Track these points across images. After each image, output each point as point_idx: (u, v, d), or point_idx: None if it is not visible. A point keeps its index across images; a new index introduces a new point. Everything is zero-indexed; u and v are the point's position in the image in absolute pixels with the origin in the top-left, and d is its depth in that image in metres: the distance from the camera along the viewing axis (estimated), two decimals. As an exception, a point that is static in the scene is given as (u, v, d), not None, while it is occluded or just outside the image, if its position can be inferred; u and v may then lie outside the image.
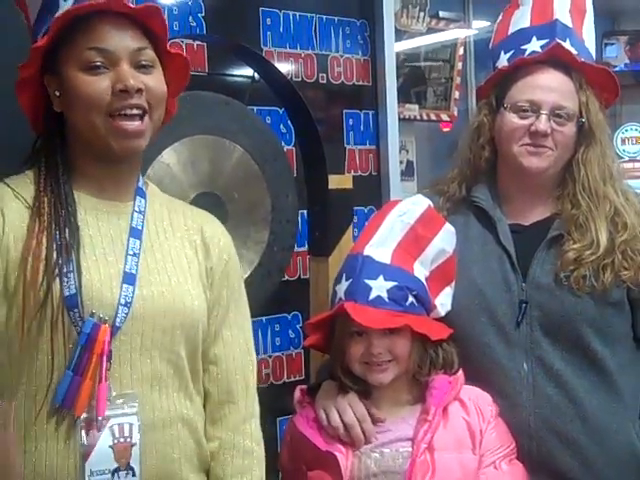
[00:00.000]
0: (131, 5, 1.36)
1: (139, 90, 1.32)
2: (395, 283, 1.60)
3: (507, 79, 1.78)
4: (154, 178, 1.81)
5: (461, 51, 4.33)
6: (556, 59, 1.74)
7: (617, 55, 5.99)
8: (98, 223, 1.37)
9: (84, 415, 1.29)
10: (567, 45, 1.75)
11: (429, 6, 4.10)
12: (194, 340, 1.42)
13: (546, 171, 1.74)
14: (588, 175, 1.73)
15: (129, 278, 1.34)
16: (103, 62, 1.32)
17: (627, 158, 4.65)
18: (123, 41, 1.33)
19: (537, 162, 1.72)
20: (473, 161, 1.83)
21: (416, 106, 4.18)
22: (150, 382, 1.35)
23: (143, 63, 1.35)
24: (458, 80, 4.29)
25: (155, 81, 1.37)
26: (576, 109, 1.73)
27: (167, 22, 2.21)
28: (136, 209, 1.41)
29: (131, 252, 1.36)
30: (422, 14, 4.07)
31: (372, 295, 1.58)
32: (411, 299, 1.61)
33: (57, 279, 1.28)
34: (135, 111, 1.33)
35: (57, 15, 1.31)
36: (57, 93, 1.35)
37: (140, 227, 1.40)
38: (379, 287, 1.59)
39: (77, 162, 1.39)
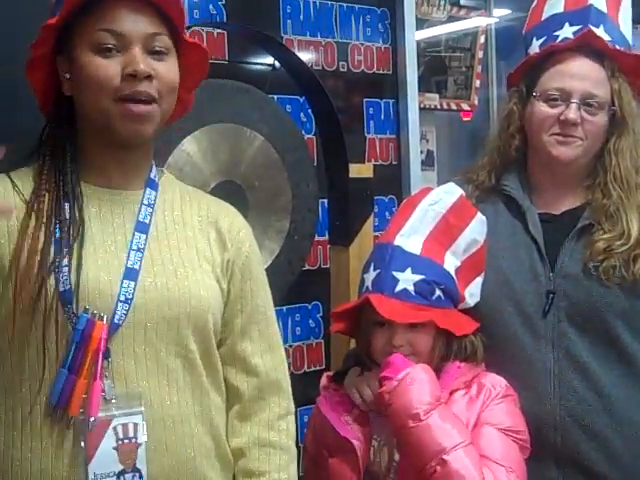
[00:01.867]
0: None
1: (149, 76, 1.28)
2: (423, 276, 1.59)
3: (538, 66, 1.76)
4: (175, 166, 1.81)
5: (482, 39, 4.29)
6: (588, 46, 1.71)
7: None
8: (100, 214, 1.34)
9: (81, 417, 1.25)
10: (600, 31, 1.72)
11: (450, -6, 4.07)
12: (204, 332, 1.36)
13: (576, 161, 1.72)
14: (620, 165, 1.71)
15: (131, 274, 1.30)
16: (115, 45, 1.28)
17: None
18: (137, 25, 1.29)
19: (566, 152, 1.70)
20: (503, 149, 1.81)
21: (436, 95, 4.15)
22: (157, 377, 1.30)
23: (157, 49, 1.31)
24: (479, 69, 4.26)
25: (167, 68, 1.32)
26: (608, 97, 1.70)
27: (187, 10, 2.25)
28: (145, 202, 1.37)
29: (135, 247, 1.32)
30: (443, 2, 4.04)
31: (398, 287, 1.57)
32: (438, 293, 1.60)
33: (52, 274, 1.25)
34: (144, 98, 1.29)
35: None
36: (67, 75, 1.32)
37: (147, 220, 1.36)
38: (406, 280, 1.58)
39: (85, 149, 1.36)
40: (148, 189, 1.39)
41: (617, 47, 1.73)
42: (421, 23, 3.90)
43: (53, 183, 1.31)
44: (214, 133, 1.89)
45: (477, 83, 4.24)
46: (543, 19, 1.81)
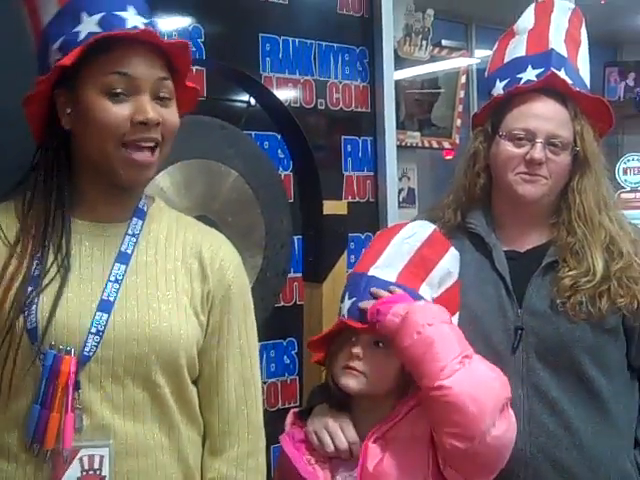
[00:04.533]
0: (163, 39, 1.35)
1: (157, 123, 1.31)
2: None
3: (502, 107, 1.78)
4: (148, 201, 1.82)
5: (463, 79, 4.35)
6: (551, 88, 1.75)
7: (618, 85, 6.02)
8: (81, 248, 1.34)
9: (54, 448, 1.26)
10: (562, 74, 1.75)
11: (432, 34, 4.12)
12: (174, 367, 1.36)
13: (541, 199, 1.74)
14: (583, 203, 1.73)
15: (105, 305, 1.31)
16: (125, 89, 1.29)
17: (629, 188, 4.66)
18: (147, 70, 1.31)
19: (532, 190, 1.72)
20: (468, 188, 1.83)
21: (418, 133, 4.19)
22: (123, 410, 1.31)
23: (162, 95, 1.33)
24: (460, 108, 4.32)
25: (172, 115, 1.35)
26: (571, 138, 1.73)
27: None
28: (129, 232, 1.38)
29: (113, 278, 1.33)
30: (425, 42, 4.10)
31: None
32: None
33: (22, 313, 1.27)
34: (149, 143, 1.32)
35: (88, 35, 1.29)
36: (68, 110, 1.33)
37: (129, 251, 1.36)
38: None
39: (77, 182, 1.37)
40: (135, 219, 1.40)
41: (578, 89, 1.76)
42: (403, 62, 3.95)
43: (42, 219, 1.32)
44: (189, 168, 1.89)
45: (458, 122, 4.29)
46: (505, 62, 1.85)
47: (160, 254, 1.40)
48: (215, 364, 1.43)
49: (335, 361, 1.62)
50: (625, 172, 4.70)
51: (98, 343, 1.29)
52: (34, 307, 1.27)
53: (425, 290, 1.64)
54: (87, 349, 1.28)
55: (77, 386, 1.27)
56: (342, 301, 1.66)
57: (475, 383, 1.48)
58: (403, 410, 1.57)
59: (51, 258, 1.30)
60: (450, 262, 1.69)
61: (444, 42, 4.31)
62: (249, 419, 1.45)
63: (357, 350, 1.58)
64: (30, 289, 1.28)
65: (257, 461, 1.46)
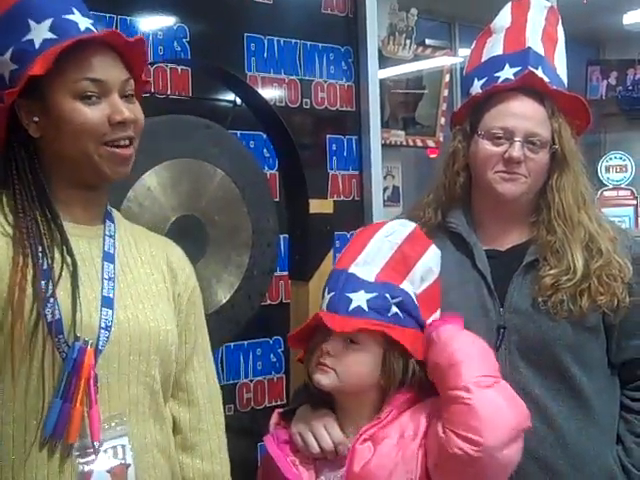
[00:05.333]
0: (128, 38, 1.38)
1: (132, 121, 1.35)
2: (376, 294, 1.58)
3: (480, 106, 1.79)
4: (135, 200, 1.82)
5: (447, 78, 4.36)
6: (528, 86, 1.75)
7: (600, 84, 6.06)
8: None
9: (77, 443, 1.27)
10: (539, 73, 1.76)
11: (416, 34, 4.13)
12: (168, 364, 1.41)
13: (520, 197, 1.75)
14: (562, 201, 1.74)
15: (107, 302, 1.33)
16: (96, 92, 1.33)
17: (611, 186, 4.70)
18: (114, 72, 1.35)
19: (511, 188, 1.73)
20: (448, 187, 1.83)
21: (402, 132, 4.20)
22: (128, 407, 1.34)
23: (128, 93, 1.37)
24: (444, 107, 4.32)
25: (139, 112, 1.39)
26: (549, 136, 1.74)
27: (152, 46, 2.27)
28: (107, 233, 1.40)
29: (106, 276, 1.35)
30: (409, 41, 4.10)
31: (352, 306, 1.57)
32: (395, 309, 1.58)
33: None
34: (126, 141, 1.36)
35: (45, 43, 1.31)
36: (36, 118, 1.33)
37: (112, 251, 1.39)
38: (359, 298, 1.57)
39: (50, 187, 1.37)
40: (107, 221, 1.43)
41: (555, 87, 1.78)
42: (387, 61, 3.96)
43: (34, 220, 1.32)
44: (175, 168, 1.90)
45: (442, 120, 4.30)
46: (483, 60, 1.85)
47: (136, 256, 1.44)
48: (184, 363, 1.47)
49: (311, 359, 1.62)
50: (607, 170, 4.74)
51: (107, 338, 1.31)
52: (53, 300, 1.27)
53: (407, 286, 1.63)
54: (100, 344, 1.30)
55: (95, 380, 1.28)
56: (322, 297, 1.66)
57: (503, 398, 1.48)
58: (394, 411, 1.56)
59: (56, 254, 1.31)
60: (431, 259, 1.69)
61: (428, 41, 4.32)
62: (215, 414, 1.51)
63: (328, 347, 1.56)
64: (43, 282, 1.27)
65: (226, 454, 1.52)
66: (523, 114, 1.73)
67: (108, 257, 1.38)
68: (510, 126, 1.72)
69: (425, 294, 1.66)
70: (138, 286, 1.40)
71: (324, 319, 1.56)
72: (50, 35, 1.32)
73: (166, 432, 1.41)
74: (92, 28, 1.37)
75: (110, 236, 1.40)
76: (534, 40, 1.81)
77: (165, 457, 1.40)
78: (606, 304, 1.69)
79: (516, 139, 1.71)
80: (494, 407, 1.46)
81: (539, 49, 1.80)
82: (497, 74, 1.78)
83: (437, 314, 1.69)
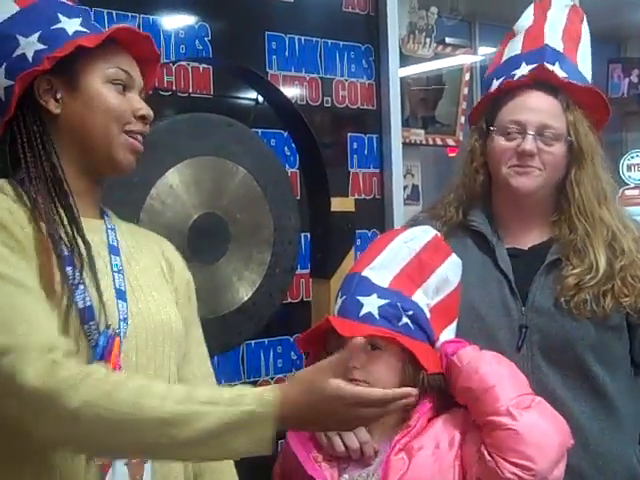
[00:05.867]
0: (155, 50, 1.46)
1: (150, 119, 1.41)
2: (388, 301, 1.57)
3: (496, 104, 1.79)
4: (157, 198, 1.83)
5: (467, 77, 4.35)
6: (543, 81, 1.75)
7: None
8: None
9: None
10: (556, 68, 1.76)
11: (436, 32, 4.13)
12: (179, 355, 1.42)
13: (536, 192, 1.74)
14: (582, 196, 1.73)
15: (121, 294, 1.33)
16: (125, 83, 1.39)
17: (633, 185, 4.66)
18: (137, 72, 1.42)
19: (526, 182, 1.72)
20: (469, 185, 1.83)
21: (422, 131, 4.20)
22: None
23: (142, 94, 1.44)
24: (464, 105, 4.31)
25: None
26: (563, 129, 1.73)
27: (174, 45, 2.29)
28: (109, 226, 1.41)
29: (116, 269, 1.35)
30: (429, 40, 4.10)
31: (363, 311, 1.55)
32: (405, 320, 1.57)
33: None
34: (141, 137, 1.40)
35: (94, 34, 1.37)
36: (59, 95, 1.35)
37: (116, 244, 1.39)
38: (370, 304, 1.56)
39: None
40: (106, 217, 1.44)
41: (569, 80, 1.76)
42: (407, 60, 3.95)
43: (49, 207, 1.30)
44: (197, 166, 1.91)
45: (462, 119, 4.29)
46: (502, 61, 1.86)
47: (137, 249, 1.44)
48: (184, 355, 1.47)
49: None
50: (629, 169, 4.70)
51: (126, 331, 1.31)
52: (82, 286, 1.26)
53: (420, 297, 1.61)
54: (122, 335, 1.30)
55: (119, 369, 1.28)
56: (335, 302, 1.65)
57: (545, 418, 1.48)
58: (422, 419, 1.54)
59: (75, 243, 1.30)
60: (449, 269, 1.66)
61: (447, 40, 4.32)
62: None
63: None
64: (69, 269, 1.26)
65: None
66: (535, 107, 1.73)
67: (114, 250, 1.38)
68: (522, 119, 1.72)
69: (440, 305, 1.64)
70: (145, 278, 1.40)
71: (334, 323, 1.54)
72: (81, 28, 1.38)
73: None
74: (83, 30, 1.39)
75: (112, 229, 1.41)
76: (553, 38, 1.81)
77: None
78: (630, 305, 1.68)
79: (529, 132, 1.71)
80: (539, 430, 1.46)
81: (558, 46, 1.80)
82: (513, 72, 1.79)
83: (453, 325, 1.67)
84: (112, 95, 1.36)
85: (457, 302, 1.67)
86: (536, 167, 1.71)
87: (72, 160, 1.37)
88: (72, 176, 1.36)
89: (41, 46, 1.35)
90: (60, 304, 1.23)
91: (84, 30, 1.39)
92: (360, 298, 1.57)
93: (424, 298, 1.62)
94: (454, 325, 1.66)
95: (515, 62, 1.81)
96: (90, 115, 1.35)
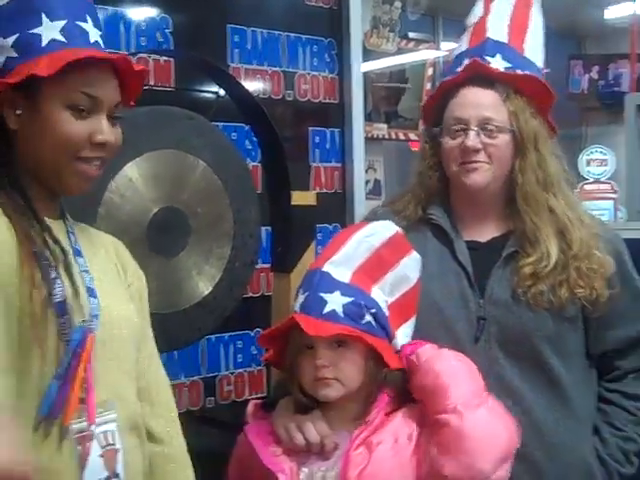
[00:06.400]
0: (135, 66, 1.39)
1: (111, 145, 1.36)
2: (352, 299, 1.56)
3: (441, 104, 1.80)
4: (117, 192, 1.81)
5: (430, 72, 4.38)
6: (480, 75, 1.75)
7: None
8: None
9: (74, 425, 1.27)
10: (496, 60, 1.76)
11: (399, 27, 4.15)
12: (138, 348, 1.44)
13: (487, 186, 1.75)
14: (526, 184, 1.74)
15: (91, 292, 1.34)
16: (88, 107, 1.32)
17: (592, 179, 4.72)
18: (110, 93, 1.35)
19: (476, 178, 1.73)
20: (425, 183, 1.84)
21: (385, 125, 4.22)
22: (114, 392, 1.35)
23: (115, 115, 1.37)
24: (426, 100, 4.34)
25: (119, 135, 1.38)
26: (505, 120, 1.74)
27: (134, 36, 2.27)
28: (69, 229, 1.40)
29: (83, 269, 1.36)
30: (392, 35, 4.12)
31: (327, 309, 1.54)
32: (368, 318, 1.56)
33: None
34: (99, 161, 1.36)
35: (52, 43, 1.30)
36: (19, 111, 1.32)
37: (77, 246, 1.39)
38: (334, 301, 1.55)
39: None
40: (65, 218, 1.42)
41: (504, 71, 1.76)
42: (370, 54, 3.97)
43: (15, 209, 1.31)
44: (157, 159, 1.90)
45: (425, 114, 4.31)
46: (451, 60, 1.87)
47: (93, 249, 1.45)
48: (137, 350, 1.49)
49: (300, 371, 1.58)
50: (588, 164, 4.76)
51: (96, 326, 1.32)
52: (58, 280, 1.27)
53: (377, 293, 1.60)
54: (93, 330, 1.31)
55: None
56: (296, 297, 1.62)
57: (493, 417, 1.48)
58: (381, 413, 1.55)
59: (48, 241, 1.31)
60: (409, 266, 1.65)
61: (411, 35, 4.34)
62: (168, 401, 1.52)
63: (320, 361, 1.53)
64: (45, 263, 1.27)
65: (182, 438, 1.53)
66: (475, 102, 1.73)
67: (76, 251, 1.38)
68: (463, 116, 1.73)
69: (398, 303, 1.64)
70: (104, 278, 1.41)
71: (299, 321, 1.53)
72: (60, 37, 1.31)
73: (140, 415, 1.43)
74: (100, 42, 1.36)
75: (72, 232, 1.40)
76: (496, 29, 1.80)
77: (140, 441, 1.42)
78: (585, 297, 1.70)
79: (471, 128, 1.71)
80: (485, 430, 1.46)
81: (501, 37, 1.79)
82: (457, 69, 1.79)
83: (411, 322, 1.67)
84: (68, 122, 1.31)
85: (415, 299, 1.67)
86: (483, 161, 1.72)
87: (29, 171, 1.36)
88: (30, 182, 1.36)
89: (14, 53, 1.32)
90: (39, 299, 1.24)
91: (61, 40, 1.31)
92: (323, 295, 1.56)
93: (381, 295, 1.62)
94: (412, 322, 1.66)
95: (460, 59, 1.81)
96: (42, 141, 1.32)
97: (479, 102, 1.73)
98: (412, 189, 1.87)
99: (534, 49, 1.83)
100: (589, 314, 1.73)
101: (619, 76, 6.40)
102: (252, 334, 2.46)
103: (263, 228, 2.16)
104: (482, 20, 1.84)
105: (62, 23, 1.32)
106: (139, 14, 2.29)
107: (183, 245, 1.94)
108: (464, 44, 1.84)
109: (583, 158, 4.77)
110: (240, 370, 2.44)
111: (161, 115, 1.93)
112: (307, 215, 2.12)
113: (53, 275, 1.27)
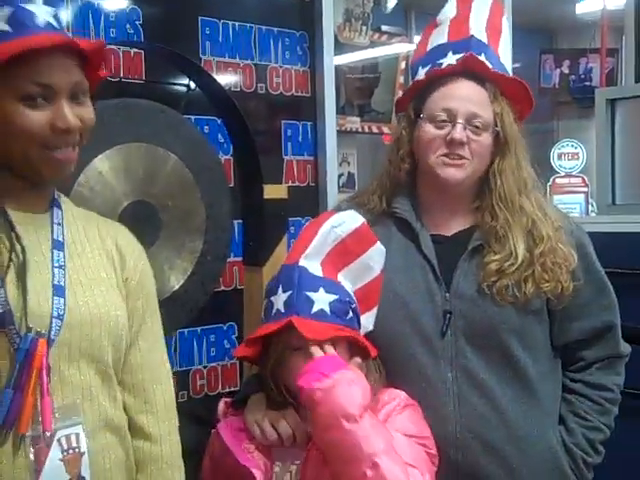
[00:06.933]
0: (86, 43, 1.34)
1: (75, 129, 1.32)
2: (337, 297, 1.59)
3: (424, 91, 1.80)
4: (86, 185, 1.80)
5: (403, 65, 4.38)
6: (470, 71, 1.77)
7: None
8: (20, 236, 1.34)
9: (29, 432, 1.27)
10: (482, 58, 1.78)
11: (372, 20, 4.14)
12: (119, 349, 1.42)
13: (463, 182, 1.76)
14: (504, 185, 1.76)
15: (59, 290, 1.33)
16: (43, 96, 1.29)
17: (563, 173, 4.75)
18: (65, 76, 1.31)
19: (455, 173, 1.74)
20: (393, 173, 1.84)
21: (358, 119, 4.21)
22: (81, 393, 1.34)
23: (79, 94, 1.34)
24: (400, 93, 4.34)
25: (88, 112, 1.36)
26: (491, 119, 1.76)
27: (104, 28, 2.24)
28: (55, 221, 1.39)
29: (57, 264, 1.35)
30: (365, 28, 4.11)
31: (315, 308, 1.56)
32: (351, 314, 1.60)
33: None
34: (70, 146, 1.33)
35: (7, 39, 1.27)
36: None
37: (61, 239, 1.38)
38: (321, 300, 1.57)
39: None
40: (55, 209, 1.41)
41: (500, 72, 1.79)
42: (343, 48, 3.96)
43: None
44: (128, 152, 1.89)
45: (398, 107, 4.32)
46: (428, 50, 1.86)
47: (84, 242, 1.44)
48: (129, 346, 1.47)
49: (286, 371, 1.58)
50: (560, 157, 4.79)
51: (60, 327, 1.31)
52: (2, 290, 1.27)
53: (344, 282, 1.64)
54: (53, 333, 1.30)
55: (48, 370, 1.29)
56: (273, 294, 1.61)
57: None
58: None
59: (3, 242, 1.30)
60: (373, 257, 1.68)
61: (384, 28, 4.33)
62: (164, 398, 1.51)
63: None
64: None
65: (177, 437, 1.52)
66: (465, 96, 1.74)
67: (57, 245, 1.37)
68: (453, 107, 1.73)
69: (361, 292, 1.66)
70: (87, 272, 1.40)
71: (298, 326, 1.53)
72: (5, 27, 1.28)
73: (119, 413, 1.43)
74: (52, 21, 1.32)
75: (58, 224, 1.39)
76: (478, 29, 1.82)
77: (119, 438, 1.41)
78: (550, 291, 1.72)
79: (458, 121, 1.72)
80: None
81: (482, 37, 1.81)
82: (440, 61, 1.79)
83: (373, 312, 1.69)
84: (23, 115, 1.28)
85: (378, 289, 1.69)
86: (465, 157, 1.73)
87: (4, 166, 1.34)
88: (6, 177, 1.34)
89: None
90: None
91: (5, 29, 1.28)
92: (309, 294, 1.57)
93: (348, 284, 1.64)
94: (374, 311, 1.68)
95: (441, 51, 1.81)
96: (6, 136, 1.30)
97: (470, 97, 1.75)
98: (378, 178, 1.87)
99: (505, 55, 1.86)
100: (554, 306, 1.75)
101: (589, 70, 6.46)
102: (225, 328, 2.46)
103: (235, 221, 2.16)
104: (462, 16, 1.85)
105: (9, 11, 1.29)
106: (109, 5, 2.27)
107: (154, 239, 1.93)
108: (442, 36, 1.84)
109: (555, 152, 4.80)
110: (213, 364, 2.44)
111: (131, 108, 1.92)
112: (279, 208, 2.12)
113: None
